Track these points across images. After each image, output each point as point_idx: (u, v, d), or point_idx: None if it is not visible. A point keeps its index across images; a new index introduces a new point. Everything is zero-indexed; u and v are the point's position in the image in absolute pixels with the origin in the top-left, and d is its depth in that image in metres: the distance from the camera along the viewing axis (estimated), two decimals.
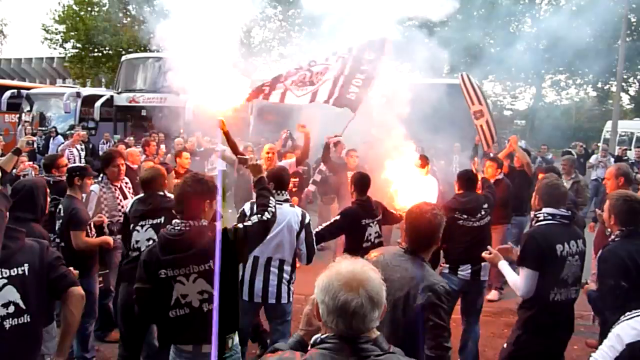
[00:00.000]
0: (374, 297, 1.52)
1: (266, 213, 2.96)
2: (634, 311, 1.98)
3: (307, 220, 3.97)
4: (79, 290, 2.56)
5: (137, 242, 3.96)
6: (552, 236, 3.30)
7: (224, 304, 2.75)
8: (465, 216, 4.63)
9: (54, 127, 16.28)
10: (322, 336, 1.59)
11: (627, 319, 1.98)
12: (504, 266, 3.50)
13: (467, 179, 4.85)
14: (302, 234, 3.92)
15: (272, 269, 3.88)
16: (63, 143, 13.29)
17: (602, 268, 3.15)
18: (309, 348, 1.65)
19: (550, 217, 3.37)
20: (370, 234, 4.54)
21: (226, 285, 2.76)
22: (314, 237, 4.04)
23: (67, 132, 16.26)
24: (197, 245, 2.69)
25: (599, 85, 29.30)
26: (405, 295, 2.47)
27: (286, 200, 4.03)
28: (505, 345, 3.50)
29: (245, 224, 2.92)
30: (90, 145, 14.57)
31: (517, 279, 3.36)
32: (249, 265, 3.86)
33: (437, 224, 2.63)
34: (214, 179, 3.02)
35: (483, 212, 4.70)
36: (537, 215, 3.45)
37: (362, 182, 4.63)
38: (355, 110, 5.57)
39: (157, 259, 2.71)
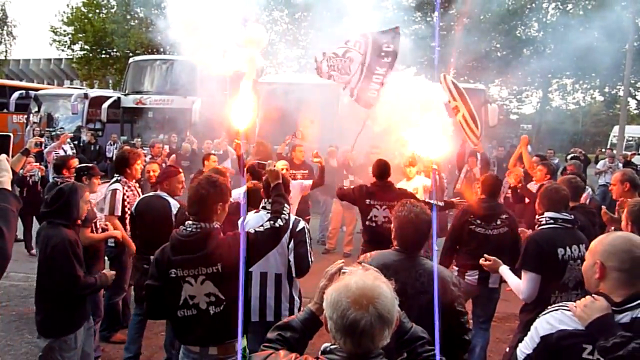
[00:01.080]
0: (385, 316, 1.46)
1: (279, 220, 2.92)
2: (552, 306, 2.07)
3: (298, 228, 3.59)
4: None
5: None
6: (553, 240, 3.31)
7: (232, 309, 2.76)
8: (479, 222, 4.50)
9: (62, 127, 16.40)
10: (332, 346, 1.56)
11: (545, 314, 2.07)
12: (505, 271, 3.47)
13: (490, 184, 4.68)
14: (292, 244, 3.56)
15: (268, 283, 3.59)
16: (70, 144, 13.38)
17: None
18: (318, 355, 1.62)
19: (552, 221, 3.38)
20: (375, 216, 4.92)
21: (233, 291, 2.74)
22: (308, 248, 3.60)
23: (75, 133, 16.42)
24: (207, 248, 2.71)
25: (606, 89, 29.15)
26: (413, 294, 2.49)
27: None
28: (507, 349, 3.50)
29: (257, 229, 2.90)
30: (97, 147, 14.69)
31: (520, 283, 3.35)
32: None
33: (429, 221, 2.65)
34: (227, 182, 3.04)
35: (499, 222, 4.52)
36: (540, 220, 3.47)
37: (379, 167, 5.13)
38: (371, 107, 6.10)
39: (168, 258, 2.74)
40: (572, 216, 3.45)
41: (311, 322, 1.84)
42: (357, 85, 6.68)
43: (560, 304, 2.11)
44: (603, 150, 17.87)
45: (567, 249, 3.28)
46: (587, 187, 5.58)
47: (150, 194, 4.75)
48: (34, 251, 7.94)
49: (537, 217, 3.57)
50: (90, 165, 5.22)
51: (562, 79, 29.77)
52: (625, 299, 1.93)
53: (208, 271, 2.71)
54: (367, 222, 5.08)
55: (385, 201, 4.92)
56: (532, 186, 5.83)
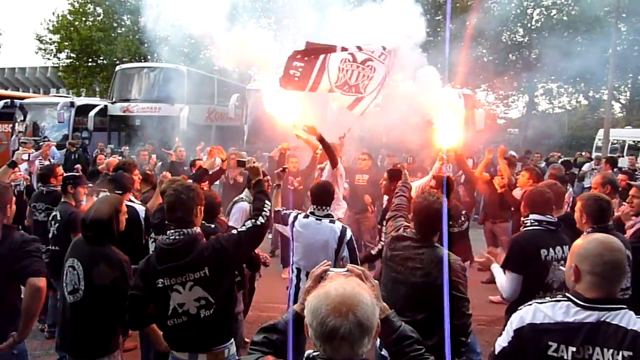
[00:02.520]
0: (364, 323, 1.46)
1: (260, 217, 2.89)
2: (527, 302, 2.18)
3: (347, 237, 3.86)
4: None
5: None
6: (537, 241, 3.40)
7: (222, 311, 2.77)
8: (451, 222, 4.85)
9: (45, 137, 16.19)
10: (315, 353, 1.56)
11: (519, 309, 2.18)
12: (495, 269, 3.57)
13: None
14: (345, 252, 3.85)
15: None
16: (56, 153, 13.22)
17: None
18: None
19: (536, 223, 3.48)
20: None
21: (222, 294, 2.77)
22: (357, 255, 3.96)
23: (61, 142, 16.23)
24: (193, 253, 2.71)
25: (591, 93, 29.57)
26: (427, 280, 2.83)
27: (327, 216, 3.98)
28: (492, 348, 3.52)
29: (240, 229, 2.89)
30: (77, 156, 14.43)
31: (504, 282, 3.43)
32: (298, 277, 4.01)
33: (442, 210, 2.96)
34: (199, 186, 3.13)
35: (463, 218, 5.04)
36: (525, 222, 3.57)
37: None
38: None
39: (154, 268, 2.72)
40: (556, 219, 3.54)
41: (296, 324, 1.85)
42: (372, 98, 6.48)
43: (536, 299, 2.20)
44: (582, 153, 18.13)
45: (551, 250, 3.37)
46: (568, 187, 5.65)
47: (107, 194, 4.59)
48: None
49: (522, 219, 3.63)
50: (77, 174, 5.18)
51: (548, 84, 30.15)
52: (595, 299, 1.99)
53: (196, 276, 2.70)
54: None
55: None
56: (517, 192, 5.86)
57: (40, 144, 12.57)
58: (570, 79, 26.97)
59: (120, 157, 9.84)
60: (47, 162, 9.04)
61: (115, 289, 3.05)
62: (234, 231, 2.90)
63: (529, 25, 27.76)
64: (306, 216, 4.03)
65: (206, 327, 2.73)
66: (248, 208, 4.66)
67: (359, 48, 6.13)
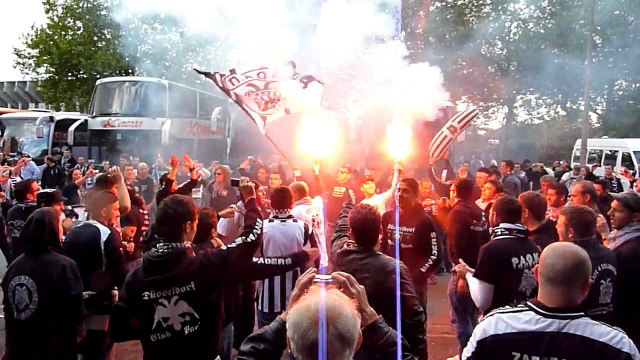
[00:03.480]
0: (345, 335, 1.45)
1: (251, 235, 2.94)
2: (489, 313, 2.17)
3: (309, 231, 4.37)
4: None
5: None
6: (507, 250, 3.43)
7: (207, 328, 2.73)
8: (475, 221, 5.13)
9: (21, 152, 15.94)
10: None
11: (483, 319, 2.17)
12: (470, 278, 3.61)
13: (465, 187, 5.44)
14: (308, 245, 4.36)
15: (286, 278, 4.26)
16: (35, 169, 12.98)
17: None
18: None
19: (507, 232, 3.51)
20: None
21: (208, 310, 2.75)
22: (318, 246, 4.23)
23: (40, 157, 15.97)
24: (180, 267, 2.69)
25: (568, 104, 30.20)
26: (376, 287, 2.80)
27: (289, 217, 4.48)
28: None
29: (229, 246, 2.91)
30: (57, 171, 14.20)
31: (476, 291, 3.46)
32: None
33: (379, 220, 3.24)
34: (192, 201, 3.04)
35: (483, 219, 5.19)
36: (495, 231, 3.60)
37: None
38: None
39: (141, 280, 2.70)
40: (525, 227, 3.59)
41: (283, 333, 1.83)
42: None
43: (498, 308, 2.17)
44: (560, 162, 18.48)
45: (522, 258, 3.40)
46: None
47: (81, 223, 4.33)
48: None
49: (491, 228, 3.69)
50: (51, 191, 5.07)
51: (526, 95, 30.72)
52: (555, 307, 1.98)
53: (182, 290, 2.67)
54: None
55: None
56: (480, 203, 5.85)
57: (10, 160, 12.37)
58: (548, 90, 27.57)
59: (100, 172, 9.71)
60: (18, 179, 8.85)
61: (68, 292, 3.17)
62: (223, 247, 2.92)
63: (507, 38, 28.34)
64: (270, 220, 4.44)
65: (190, 344, 2.68)
66: (237, 218, 4.84)
67: (247, 77, 5.96)
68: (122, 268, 4.10)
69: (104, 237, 3.95)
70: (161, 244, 2.75)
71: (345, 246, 3.33)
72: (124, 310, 2.74)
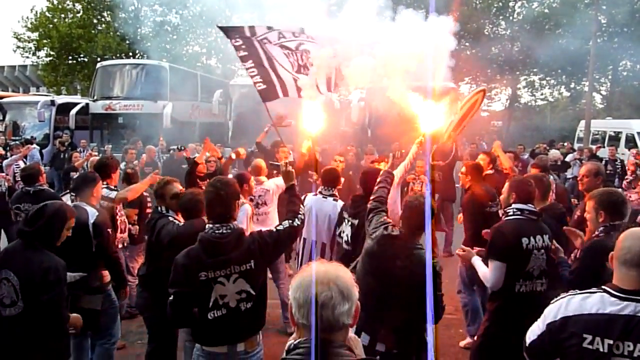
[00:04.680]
0: (344, 291, 1.55)
1: (296, 220, 3.09)
2: (561, 295, 2.14)
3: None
4: None
5: None
6: (518, 230, 3.43)
7: (260, 303, 2.88)
8: (491, 202, 5.13)
9: (34, 136, 15.96)
10: (296, 341, 1.59)
11: (552, 303, 2.13)
12: (476, 261, 3.63)
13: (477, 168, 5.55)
14: (343, 227, 4.57)
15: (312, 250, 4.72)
16: (35, 155, 13.00)
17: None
18: (283, 355, 1.62)
19: (519, 213, 3.51)
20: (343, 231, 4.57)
21: (261, 286, 2.88)
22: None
23: (42, 142, 15.97)
24: (242, 246, 2.81)
25: (572, 85, 29.97)
26: (413, 279, 2.87)
27: (331, 195, 4.81)
28: (475, 337, 3.59)
29: (278, 228, 3.03)
30: (67, 155, 14.27)
31: (487, 271, 3.47)
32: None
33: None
34: (235, 180, 3.21)
35: (497, 200, 5.13)
36: (507, 211, 3.61)
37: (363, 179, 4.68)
38: None
39: (200, 261, 2.74)
40: (536, 208, 3.59)
41: None
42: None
43: (570, 292, 2.12)
44: (564, 144, 18.40)
45: (531, 238, 3.40)
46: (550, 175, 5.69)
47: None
48: None
49: (504, 208, 3.67)
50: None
51: (530, 76, 30.48)
52: (631, 290, 1.94)
53: (242, 269, 2.79)
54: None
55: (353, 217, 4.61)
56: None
57: (12, 144, 12.36)
58: (552, 71, 27.33)
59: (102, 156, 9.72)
60: (21, 163, 8.83)
61: (56, 297, 2.92)
62: (273, 229, 3.04)
63: (511, 18, 28.00)
64: (315, 195, 4.89)
65: (246, 319, 2.82)
66: (249, 210, 4.90)
67: (281, 34, 5.77)
68: (110, 249, 4.16)
69: (92, 219, 3.93)
70: (217, 225, 2.81)
71: (390, 229, 3.24)
72: (187, 295, 2.75)
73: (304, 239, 4.87)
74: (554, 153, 13.18)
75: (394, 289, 3.02)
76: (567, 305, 2.04)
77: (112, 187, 5.06)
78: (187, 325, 3.03)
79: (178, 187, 4.18)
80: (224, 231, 2.79)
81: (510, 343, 3.34)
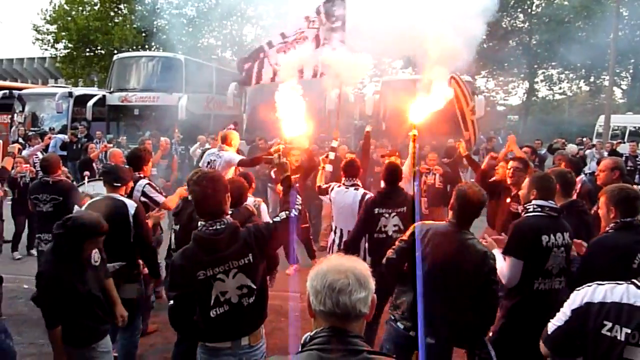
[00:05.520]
0: (361, 279, 1.56)
1: (293, 211, 3.02)
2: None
3: (365, 199, 4.86)
4: None
5: None
6: (538, 227, 3.35)
7: (261, 297, 2.84)
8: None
9: (53, 128, 16.18)
10: (312, 333, 1.59)
11: (578, 290, 2.15)
12: (496, 254, 3.54)
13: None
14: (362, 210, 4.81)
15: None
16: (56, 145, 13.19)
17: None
18: (299, 349, 1.62)
19: (539, 209, 3.42)
20: (385, 226, 4.59)
21: (260, 279, 2.83)
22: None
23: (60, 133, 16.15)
24: (239, 240, 2.75)
25: (592, 79, 29.43)
26: (473, 266, 2.99)
27: (353, 185, 5.04)
28: (490, 333, 3.55)
29: (275, 220, 2.97)
30: (79, 145, 14.45)
31: (503, 267, 3.41)
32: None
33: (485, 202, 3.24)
34: (221, 174, 3.14)
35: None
36: (527, 207, 3.51)
37: (388, 172, 4.77)
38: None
39: (196, 260, 2.68)
40: (558, 205, 3.50)
41: None
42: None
43: (599, 282, 2.15)
44: (583, 139, 18.08)
45: (551, 236, 3.33)
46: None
47: (100, 197, 4.37)
48: (16, 253, 7.80)
49: (523, 204, 3.60)
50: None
51: (548, 70, 30.00)
52: None
53: (240, 263, 2.74)
54: (375, 235, 4.64)
55: (393, 209, 4.62)
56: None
57: (30, 134, 12.55)
58: (571, 64, 26.85)
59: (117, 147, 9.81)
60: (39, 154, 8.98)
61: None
62: (270, 221, 2.99)
63: (529, 10, 27.54)
64: (339, 186, 5.13)
65: (249, 314, 2.80)
66: (265, 208, 5.05)
67: (283, 35, 6.18)
68: (149, 239, 4.27)
69: (131, 211, 4.09)
70: (211, 221, 2.74)
71: (438, 225, 3.27)
72: (187, 296, 2.69)
73: (334, 227, 5.17)
74: (571, 148, 12.97)
75: (453, 284, 3.02)
76: (593, 292, 2.07)
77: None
78: (190, 330, 2.88)
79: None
80: (218, 227, 2.72)
81: (525, 340, 3.33)
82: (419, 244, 3.15)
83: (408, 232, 3.34)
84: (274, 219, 2.98)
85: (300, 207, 3.11)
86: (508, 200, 5.18)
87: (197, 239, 2.73)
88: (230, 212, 2.95)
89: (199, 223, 2.79)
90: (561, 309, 2.18)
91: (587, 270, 3.10)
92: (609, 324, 1.96)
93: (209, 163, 5.72)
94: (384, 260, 3.34)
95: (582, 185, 5.41)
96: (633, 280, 2.02)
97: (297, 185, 5.93)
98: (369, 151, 6.54)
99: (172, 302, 2.72)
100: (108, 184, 4.32)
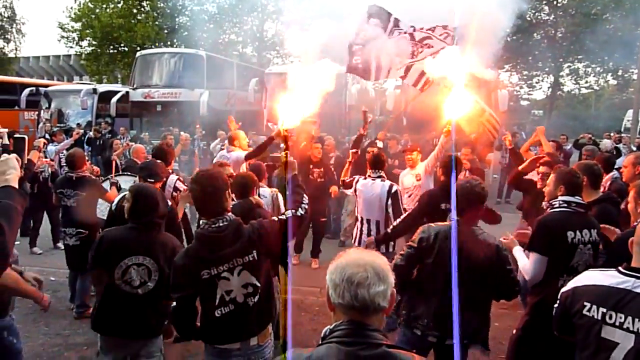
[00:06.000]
0: (380, 273, 1.57)
1: (300, 209, 2.99)
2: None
3: (393, 191, 5.12)
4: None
5: None
6: (564, 223, 3.28)
7: (266, 295, 2.79)
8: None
9: (79, 124, 16.51)
10: (332, 326, 1.59)
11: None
12: (517, 252, 3.50)
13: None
14: (390, 201, 5.08)
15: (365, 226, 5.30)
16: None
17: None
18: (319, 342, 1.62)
19: (565, 205, 3.35)
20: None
21: (265, 277, 2.79)
22: (400, 205, 5.11)
23: (85, 129, 16.43)
24: (243, 237, 2.70)
25: (620, 72, 28.65)
26: (489, 261, 3.01)
27: (379, 177, 5.21)
28: (514, 330, 3.50)
29: (280, 217, 2.93)
30: (102, 141, 14.66)
31: (527, 263, 3.35)
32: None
33: (485, 195, 3.25)
34: (222, 171, 3.13)
35: None
36: (552, 203, 3.44)
37: (450, 166, 4.63)
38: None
39: (200, 259, 2.65)
40: (585, 201, 3.42)
41: None
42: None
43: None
44: (610, 134, 17.60)
45: (577, 232, 3.26)
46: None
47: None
48: (36, 249, 7.93)
49: (549, 200, 3.52)
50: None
51: (574, 63, 29.30)
52: (636, 268, 2.04)
53: (244, 260, 2.69)
54: None
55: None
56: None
57: (55, 130, 12.79)
58: (598, 58, 26.18)
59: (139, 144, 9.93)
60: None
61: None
62: (275, 218, 2.94)
63: (554, 2, 26.92)
64: (365, 178, 5.29)
65: (256, 314, 2.75)
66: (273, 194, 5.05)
67: (414, 28, 6.22)
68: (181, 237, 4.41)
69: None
70: (213, 219, 2.70)
71: (442, 225, 3.27)
72: (191, 298, 2.68)
73: (361, 218, 5.34)
74: (606, 143, 12.50)
75: (469, 281, 2.99)
76: (580, 277, 2.21)
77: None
78: (194, 333, 2.82)
79: (229, 170, 4.36)
80: (221, 224, 2.68)
81: (549, 339, 3.26)
82: (439, 246, 3.14)
83: (415, 237, 3.27)
84: (279, 217, 2.94)
85: (307, 206, 3.03)
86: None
87: (200, 238, 2.71)
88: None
89: (200, 221, 2.78)
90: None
91: (612, 263, 3.03)
92: (588, 304, 2.08)
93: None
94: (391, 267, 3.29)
95: (612, 182, 5.24)
96: (619, 267, 2.09)
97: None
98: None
99: (175, 303, 2.70)
100: (143, 179, 4.42)
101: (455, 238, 3.02)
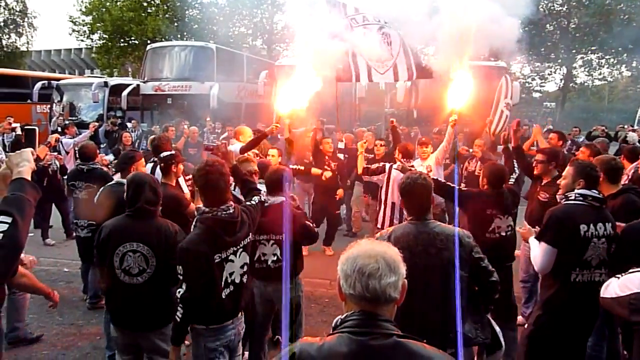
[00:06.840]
0: (391, 264, 1.57)
1: (261, 196, 3.36)
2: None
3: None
4: None
5: None
6: (576, 216, 3.24)
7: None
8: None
9: (92, 118, 16.62)
10: (343, 316, 1.60)
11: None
12: (532, 242, 3.45)
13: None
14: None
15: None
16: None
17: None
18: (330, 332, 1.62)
19: (581, 198, 3.30)
20: (499, 227, 4.25)
21: (250, 256, 3.12)
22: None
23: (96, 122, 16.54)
24: (247, 221, 3.00)
25: (634, 64, 28.19)
26: (441, 258, 2.72)
27: (411, 166, 5.21)
28: (526, 325, 3.47)
29: (253, 201, 3.23)
30: (118, 135, 14.77)
31: (537, 254, 3.32)
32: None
33: (431, 186, 2.95)
34: (222, 162, 3.22)
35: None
36: (568, 195, 3.39)
37: (496, 174, 4.30)
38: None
39: (216, 243, 2.82)
40: (602, 195, 3.36)
41: None
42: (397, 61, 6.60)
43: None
44: (624, 126, 17.32)
45: (591, 226, 3.20)
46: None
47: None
48: (49, 240, 8.01)
49: (564, 192, 3.48)
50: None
51: (587, 55, 28.89)
52: None
53: (244, 243, 2.99)
54: (487, 234, 4.22)
55: (504, 213, 4.32)
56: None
57: (67, 123, 12.84)
58: (612, 49, 25.79)
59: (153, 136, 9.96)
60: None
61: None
62: (253, 202, 3.21)
63: None
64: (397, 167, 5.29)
65: (246, 290, 3.05)
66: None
67: (365, 17, 6.36)
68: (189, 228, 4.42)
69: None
70: (224, 206, 2.86)
71: (404, 224, 2.99)
72: (202, 284, 2.78)
73: (392, 203, 5.42)
74: (632, 136, 12.16)
75: (436, 281, 2.75)
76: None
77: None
78: (197, 317, 2.88)
79: (253, 167, 4.28)
80: (231, 211, 2.88)
81: (562, 334, 3.24)
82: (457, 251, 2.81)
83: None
84: (253, 201, 3.22)
85: (263, 197, 3.36)
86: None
87: (217, 223, 2.83)
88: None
89: (203, 209, 2.88)
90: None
91: (620, 256, 3.08)
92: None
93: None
94: None
95: (635, 172, 5.10)
96: None
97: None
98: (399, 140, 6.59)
99: (185, 291, 2.75)
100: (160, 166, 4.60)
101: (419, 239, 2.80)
